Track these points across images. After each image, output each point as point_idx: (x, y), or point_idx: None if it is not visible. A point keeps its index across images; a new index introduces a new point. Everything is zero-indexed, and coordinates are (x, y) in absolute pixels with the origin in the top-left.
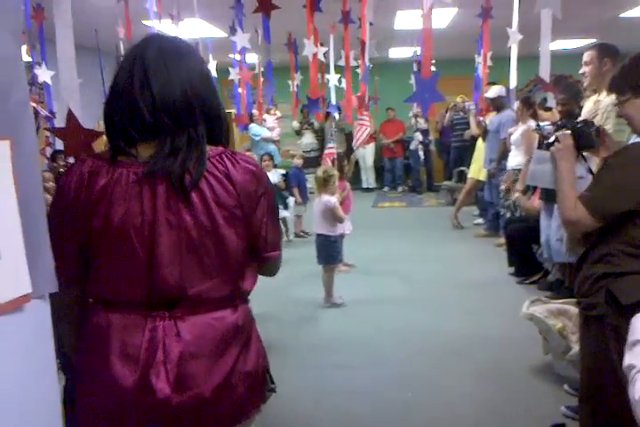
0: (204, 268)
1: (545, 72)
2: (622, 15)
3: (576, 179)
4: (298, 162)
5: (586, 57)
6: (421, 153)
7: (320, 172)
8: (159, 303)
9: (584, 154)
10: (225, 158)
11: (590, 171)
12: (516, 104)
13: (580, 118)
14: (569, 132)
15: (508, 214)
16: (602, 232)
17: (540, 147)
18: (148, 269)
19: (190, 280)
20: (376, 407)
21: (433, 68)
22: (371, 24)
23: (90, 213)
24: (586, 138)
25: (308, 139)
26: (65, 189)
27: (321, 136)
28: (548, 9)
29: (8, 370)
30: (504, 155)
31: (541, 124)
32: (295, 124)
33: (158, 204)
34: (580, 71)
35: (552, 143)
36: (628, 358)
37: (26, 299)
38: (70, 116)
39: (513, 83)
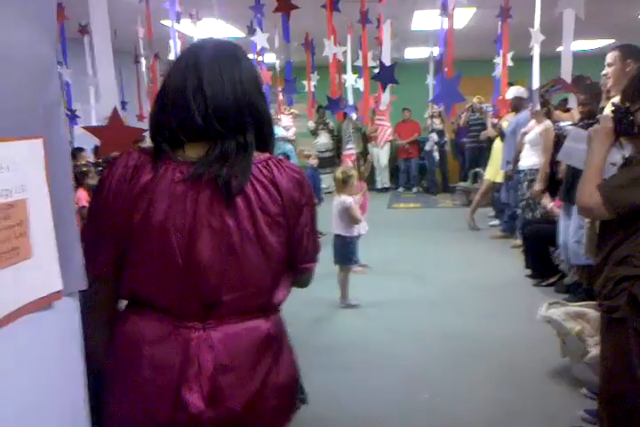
0: (242, 274)
1: (566, 73)
2: None
3: (609, 165)
4: (313, 162)
5: (609, 58)
6: (436, 154)
7: (339, 172)
8: (192, 310)
9: (622, 141)
10: (272, 164)
11: (624, 158)
12: (538, 105)
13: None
14: (611, 114)
15: (529, 215)
16: (623, 233)
17: (556, 147)
18: (185, 270)
19: (227, 286)
20: (391, 409)
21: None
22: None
23: (130, 207)
24: (626, 124)
25: (324, 139)
26: (107, 181)
27: (336, 136)
28: (570, 9)
29: (37, 367)
30: (519, 155)
31: (562, 124)
32: (311, 123)
33: (201, 205)
34: (603, 72)
35: (592, 124)
36: None
37: (57, 296)
38: (115, 115)
39: (536, 83)
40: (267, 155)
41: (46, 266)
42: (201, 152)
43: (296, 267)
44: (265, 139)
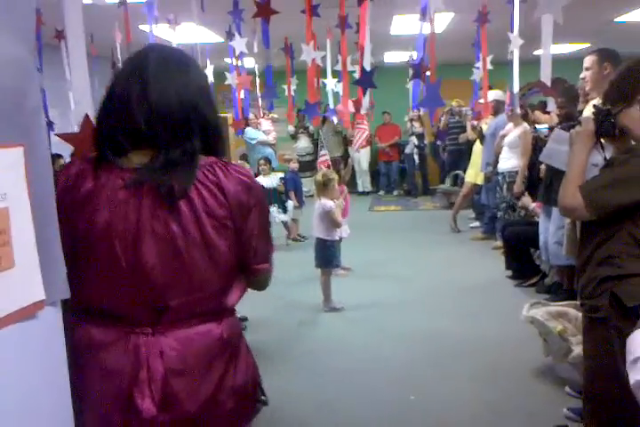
0: (189, 279)
1: (546, 77)
2: (617, 19)
3: (590, 166)
4: (294, 166)
5: (586, 62)
6: (417, 157)
7: (319, 176)
8: (142, 316)
9: (603, 142)
10: (216, 168)
11: (605, 159)
12: (518, 108)
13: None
14: (592, 116)
15: (509, 217)
16: (605, 234)
17: (534, 150)
18: (131, 277)
19: (174, 291)
20: (377, 411)
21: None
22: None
23: (74, 217)
24: (607, 126)
25: (304, 143)
26: None
27: (316, 140)
28: (548, 14)
29: (20, 378)
30: (498, 158)
31: (538, 126)
32: (291, 128)
33: (144, 211)
34: (581, 76)
35: (573, 125)
36: (633, 375)
37: (39, 306)
38: (86, 121)
39: (516, 87)
40: (212, 158)
41: (28, 275)
42: (145, 159)
43: (248, 269)
44: (212, 144)
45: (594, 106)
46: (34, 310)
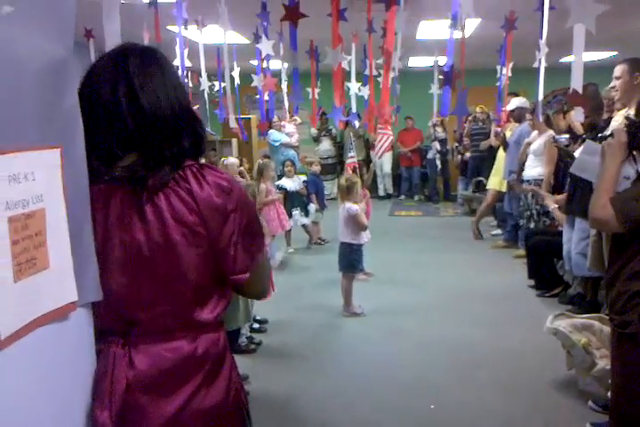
0: (159, 291)
1: (577, 86)
2: None
3: (622, 179)
4: (316, 169)
5: (617, 71)
6: (439, 162)
7: (343, 180)
8: (114, 327)
9: (635, 154)
10: (188, 172)
11: (638, 172)
12: (541, 116)
13: (608, 131)
14: (625, 128)
15: (532, 225)
16: (636, 247)
17: (560, 159)
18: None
19: (141, 303)
20: (395, 418)
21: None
22: (395, 33)
23: None
24: None
25: (326, 145)
26: None
27: (338, 143)
28: (581, 24)
29: (51, 378)
30: (523, 165)
31: (557, 136)
32: (313, 130)
33: (111, 219)
34: (611, 85)
35: (606, 137)
36: None
37: (72, 307)
38: None
39: (540, 95)
40: (187, 162)
41: (62, 277)
42: (131, 161)
43: (227, 279)
44: (197, 145)
45: (626, 118)
46: (66, 311)
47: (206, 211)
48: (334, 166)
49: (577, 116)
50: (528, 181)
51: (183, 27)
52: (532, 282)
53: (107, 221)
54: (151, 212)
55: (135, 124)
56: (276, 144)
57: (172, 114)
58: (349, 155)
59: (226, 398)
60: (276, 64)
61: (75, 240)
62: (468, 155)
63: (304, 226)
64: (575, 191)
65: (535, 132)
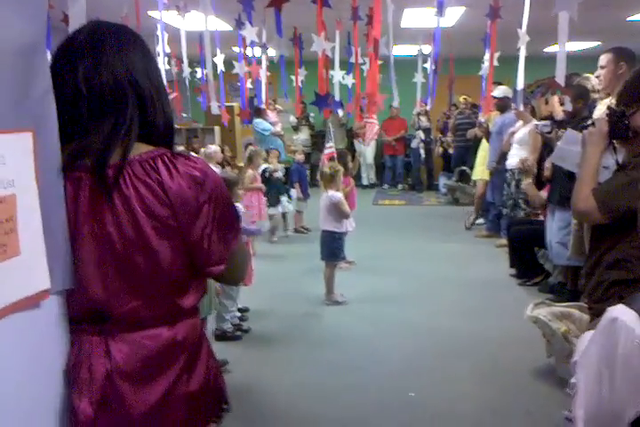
0: (133, 284)
1: (560, 75)
2: (629, 19)
3: (601, 169)
4: (300, 157)
5: (602, 60)
6: (422, 151)
7: (326, 168)
8: (88, 317)
9: (615, 144)
10: (159, 162)
11: (617, 163)
12: (521, 106)
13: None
14: (606, 118)
15: (515, 214)
16: (616, 237)
17: (544, 146)
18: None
19: (118, 298)
20: (376, 406)
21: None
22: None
23: None
24: (620, 127)
25: (304, 135)
26: None
27: (316, 133)
28: (565, 12)
29: (21, 367)
30: (504, 154)
31: (538, 123)
32: (293, 119)
33: (81, 209)
34: (595, 74)
35: (586, 126)
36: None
37: (44, 295)
38: None
39: (520, 84)
40: (159, 151)
41: (34, 264)
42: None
43: (201, 271)
44: (160, 132)
45: (608, 107)
46: (38, 299)
47: (177, 203)
48: (308, 156)
49: (567, 107)
50: (511, 170)
51: (165, 11)
52: (514, 271)
53: (77, 211)
54: (120, 204)
55: (75, 102)
56: (267, 133)
57: (114, 85)
58: (327, 145)
59: (206, 382)
60: (256, 51)
61: (47, 227)
62: (450, 151)
63: (283, 214)
64: (553, 181)
65: (520, 122)
